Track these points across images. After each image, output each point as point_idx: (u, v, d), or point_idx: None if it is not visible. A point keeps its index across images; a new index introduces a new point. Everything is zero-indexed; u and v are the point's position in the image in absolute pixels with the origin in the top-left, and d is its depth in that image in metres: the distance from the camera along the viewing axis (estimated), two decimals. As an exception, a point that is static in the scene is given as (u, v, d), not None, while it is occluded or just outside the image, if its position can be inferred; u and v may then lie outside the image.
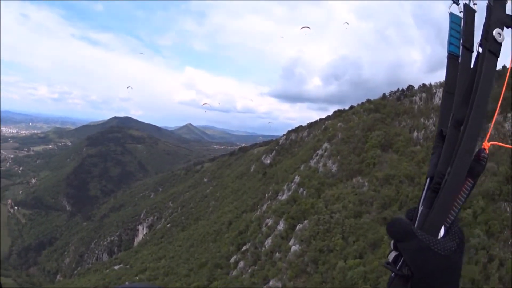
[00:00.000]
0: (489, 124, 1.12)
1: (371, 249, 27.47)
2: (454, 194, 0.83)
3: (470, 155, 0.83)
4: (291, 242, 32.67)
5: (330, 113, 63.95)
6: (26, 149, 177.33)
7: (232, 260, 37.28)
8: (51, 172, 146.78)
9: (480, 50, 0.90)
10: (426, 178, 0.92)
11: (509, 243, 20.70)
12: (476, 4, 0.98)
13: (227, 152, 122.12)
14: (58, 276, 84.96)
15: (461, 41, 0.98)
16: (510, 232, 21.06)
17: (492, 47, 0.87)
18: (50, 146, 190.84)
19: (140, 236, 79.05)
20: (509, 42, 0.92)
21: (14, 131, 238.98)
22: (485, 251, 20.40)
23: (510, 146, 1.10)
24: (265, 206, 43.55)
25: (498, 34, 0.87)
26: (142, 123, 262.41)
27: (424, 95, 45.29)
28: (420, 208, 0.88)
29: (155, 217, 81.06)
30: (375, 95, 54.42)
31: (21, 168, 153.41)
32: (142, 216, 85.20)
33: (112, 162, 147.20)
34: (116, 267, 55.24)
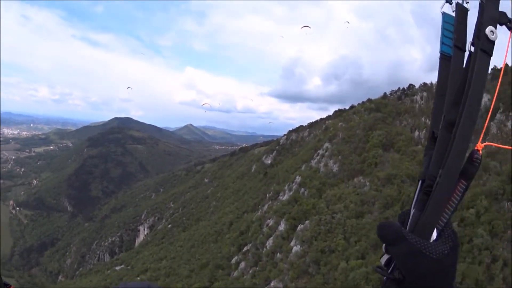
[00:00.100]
0: (483, 125, 1.05)
1: (373, 249, 27.23)
2: (446, 197, 0.81)
3: (462, 157, 0.81)
4: (292, 243, 32.45)
5: (331, 113, 63.86)
6: (28, 150, 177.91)
7: (233, 261, 37.12)
8: (53, 173, 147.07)
9: (473, 49, 0.87)
10: (418, 181, 0.90)
11: (513, 243, 20.48)
12: (469, 3, 0.94)
13: (228, 152, 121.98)
14: (60, 277, 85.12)
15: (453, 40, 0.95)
16: (514, 232, 20.84)
17: (485, 46, 0.84)
18: (51, 147, 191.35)
19: (141, 237, 79.05)
20: (502, 41, 0.89)
21: (16, 132, 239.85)
22: (489, 251, 20.15)
23: (505, 146, 1.07)
24: (266, 207, 43.37)
25: (491, 32, 0.85)
26: (143, 123, 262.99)
27: (425, 94, 45.11)
28: (412, 211, 0.86)
29: (156, 218, 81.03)
30: (375, 95, 53.83)
31: (22, 169, 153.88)
32: (143, 216, 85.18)
33: (113, 163, 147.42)
34: (118, 268, 55.18)
